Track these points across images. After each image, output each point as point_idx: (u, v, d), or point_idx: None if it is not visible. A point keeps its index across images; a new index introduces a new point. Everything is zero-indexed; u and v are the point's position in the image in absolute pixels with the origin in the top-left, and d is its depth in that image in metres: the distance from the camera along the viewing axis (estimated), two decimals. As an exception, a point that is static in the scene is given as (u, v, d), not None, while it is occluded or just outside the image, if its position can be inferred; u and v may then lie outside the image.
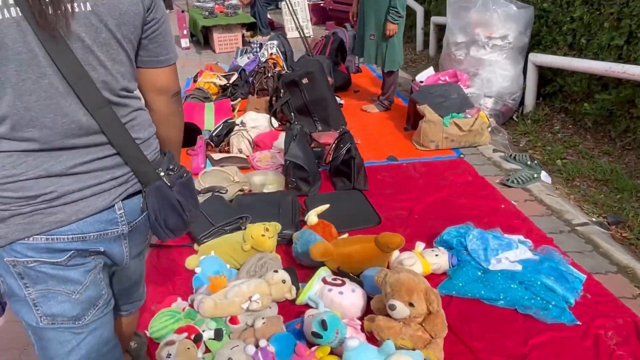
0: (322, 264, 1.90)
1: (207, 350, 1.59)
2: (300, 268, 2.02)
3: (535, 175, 2.78)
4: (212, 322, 1.63)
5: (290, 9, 4.51)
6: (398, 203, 2.57)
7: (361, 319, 1.72)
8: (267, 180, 2.68)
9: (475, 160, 3.08)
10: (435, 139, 3.16)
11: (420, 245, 2.04)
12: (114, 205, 0.96)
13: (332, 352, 1.55)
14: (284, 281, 1.75)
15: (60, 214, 0.90)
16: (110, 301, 1.08)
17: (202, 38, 6.50)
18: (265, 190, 2.63)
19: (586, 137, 3.33)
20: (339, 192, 2.68)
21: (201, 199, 2.44)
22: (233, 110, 3.82)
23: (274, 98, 3.65)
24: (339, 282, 1.79)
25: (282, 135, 3.16)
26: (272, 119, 3.47)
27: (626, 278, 2.01)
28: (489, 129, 3.31)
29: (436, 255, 2.01)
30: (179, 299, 1.83)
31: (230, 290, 1.69)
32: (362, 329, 1.66)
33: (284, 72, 3.86)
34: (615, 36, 3.04)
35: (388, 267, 1.97)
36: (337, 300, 1.74)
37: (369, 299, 1.77)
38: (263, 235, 2.01)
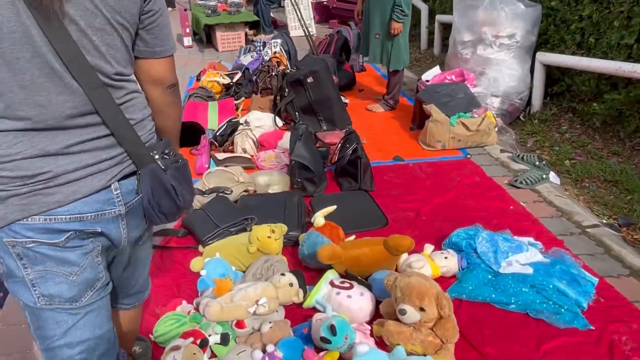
0: (330, 267, 1.87)
1: (213, 355, 1.56)
2: (307, 270, 1.98)
3: (544, 176, 2.74)
4: (218, 327, 1.60)
5: (295, 7, 4.47)
6: (405, 204, 2.54)
7: (370, 323, 1.69)
8: (272, 180, 2.64)
9: (483, 160, 3.04)
10: (441, 139, 3.12)
11: (429, 248, 2.01)
12: (110, 186, 0.97)
13: (341, 358, 1.52)
14: (291, 284, 1.72)
15: (58, 194, 0.90)
16: (108, 285, 1.08)
17: (205, 36, 6.47)
18: (270, 191, 2.60)
19: (594, 137, 3.29)
20: (345, 192, 2.64)
21: (206, 199, 2.41)
22: (237, 109, 3.79)
23: (278, 97, 3.61)
24: (347, 285, 1.76)
25: (287, 134, 3.13)
26: (277, 118, 3.43)
27: (639, 282, 1.97)
28: (496, 128, 3.27)
29: (445, 257, 1.97)
30: (184, 302, 1.80)
31: (236, 294, 1.65)
32: (372, 334, 1.63)
33: (288, 71, 3.82)
34: (625, 35, 3.00)
35: (396, 270, 1.94)
36: (345, 303, 1.70)
37: (377, 302, 1.74)
38: (269, 237, 1.97)
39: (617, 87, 3.12)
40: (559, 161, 3.07)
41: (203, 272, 1.90)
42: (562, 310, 1.76)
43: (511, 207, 2.49)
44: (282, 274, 1.73)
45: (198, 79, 4.49)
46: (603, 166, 2.91)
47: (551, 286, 1.83)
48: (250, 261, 1.97)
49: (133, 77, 1.04)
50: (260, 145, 3.18)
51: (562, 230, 2.31)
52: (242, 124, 3.29)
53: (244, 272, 1.97)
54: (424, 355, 1.50)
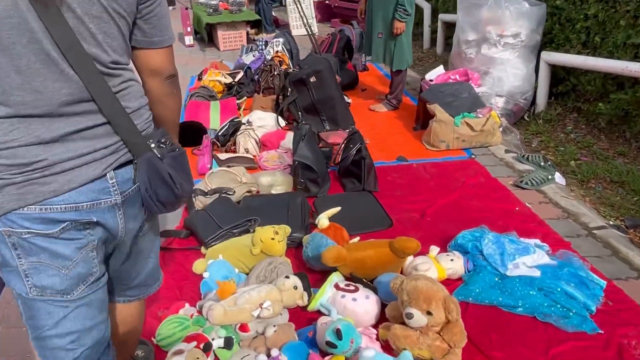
0: (334, 269, 1.84)
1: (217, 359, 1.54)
2: (311, 272, 1.96)
3: (550, 177, 2.72)
4: (221, 330, 1.58)
5: (298, 5, 4.44)
6: (409, 205, 2.51)
7: (375, 326, 1.66)
8: (275, 181, 2.62)
9: (487, 161, 3.01)
10: (446, 139, 3.09)
11: (434, 250, 1.98)
12: (105, 175, 0.96)
13: (346, 362, 1.49)
14: (295, 287, 1.69)
15: (53, 183, 0.90)
16: (102, 278, 1.07)
17: (206, 35, 6.44)
18: (273, 192, 2.58)
19: (600, 137, 3.26)
20: (348, 193, 2.62)
21: (208, 200, 2.39)
22: (239, 108, 3.76)
23: (280, 97, 3.58)
24: (352, 288, 1.73)
25: (289, 134, 3.10)
26: (279, 118, 3.40)
27: (648, 284, 1.94)
28: (501, 128, 3.25)
29: (451, 260, 1.95)
30: (187, 304, 1.78)
31: (240, 297, 1.63)
32: (377, 338, 1.60)
33: (290, 70, 3.79)
34: (631, 34, 2.96)
35: (402, 272, 1.92)
36: (350, 307, 1.68)
37: (383, 305, 1.71)
38: (273, 239, 1.95)
39: (624, 86, 3.09)
40: (564, 162, 3.04)
41: (206, 275, 1.88)
42: (571, 313, 1.73)
43: (517, 208, 2.47)
44: (287, 277, 1.71)
45: (200, 78, 4.46)
46: (609, 167, 2.88)
47: (559, 289, 1.81)
48: (253, 263, 1.95)
49: (130, 66, 1.03)
50: (263, 145, 3.16)
51: (569, 231, 2.29)
52: (244, 124, 3.26)
53: (247, 274, 1.95)
54: (431, 359, 1.48)
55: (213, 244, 2.09)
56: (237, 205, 2.36)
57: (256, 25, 6.86)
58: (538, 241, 2.10)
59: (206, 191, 2.42)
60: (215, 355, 1.54)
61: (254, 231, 2.06)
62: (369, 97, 4.19)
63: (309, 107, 3.40)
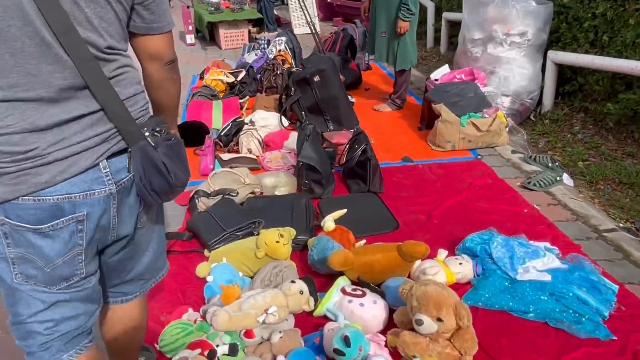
0: (341, 273, 1.80)
1: (221, 366, 1.50)
2: (316, 276, 1.92)
3: (558, 178, 2.67)
4: (226, 336, 1.54)
5: (302, 4, 4.39)
6: (415, 207, 2.47)
7: (383, 332, 1.62)
8: (279, 182, 2.58)
9: (494, 161, 2.96)
10: (451, 140, 3.05)
11: (442, 253, 1.94)
12: (98, 164, 0.96)
13: (354, 370, 1.45)
14: (301, 292, 1.65)
15: (45, 174, 0.90)
16: (88, 278, 1.06)
17: (208, 34, 6.39)
18: (277, 193, 2.53)
19: (608, 137, 3.21)
20: (353, 194, 2.58)
21: (211, 202, 2.35)
22: (241, 108, 3.72)
23: (283, 96, 3.54)
24: (360, 292, 1.70)
25: (293, 134, 3.06)
26: (282, 117, 3.36)
27: (661, 289, 1.90)
28: (507, 129, 3.20)
29: (460, 263, 1.91)
30: (190, 309, 1.74)
31: (244, 302, 1.59)
32: (386, 345, 1.56)
33: (293, 69, 3.75)
34: (640, 33, 2.92)
35: (409, 276, 1.88)
36: (357, 312, 1.64)
37: (391, 311, 1.67)
38: (277, 242, 1.91)
39: (632, 86, 3.04)
40: (572, 162, 2.99)
41: (209, 278, 1.84)
42: (583, 319, 1.69)
43: (525, 210, 2.42)
44: (293, 281, 1.67)
45: (201, 77, 4.42)
46: (618, 168, 2.84)
47: (571, 294, 1.76)
48: (258, 266, 1.91)
49: (127, 52, 1.02)
50: (266, 145, 3.12)
51: (579, 234, 2.24)
52: (247, 124, 3.22)
53: (251, 277, 1.91)
54: (442, 367, 1.44)
55: (216, 246, 2.05)
56: (240, 207, 2.32)
57: (258, 23, 6.81)
58: (548, 244, 2.06)
59: (209, 192, 2.38)
60: (220, 362, 1.50)
61: (258, 234, 2.02)
62: (372, 96, 4.15)
63: (312, 106, 3.36)
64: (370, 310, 1.64)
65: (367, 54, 4.81)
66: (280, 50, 4.48)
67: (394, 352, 1.54)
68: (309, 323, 1.71)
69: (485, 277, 1.88)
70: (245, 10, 6.54)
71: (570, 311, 1.72)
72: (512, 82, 3.42)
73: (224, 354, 1.49)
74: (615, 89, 3.15)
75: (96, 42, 0.92)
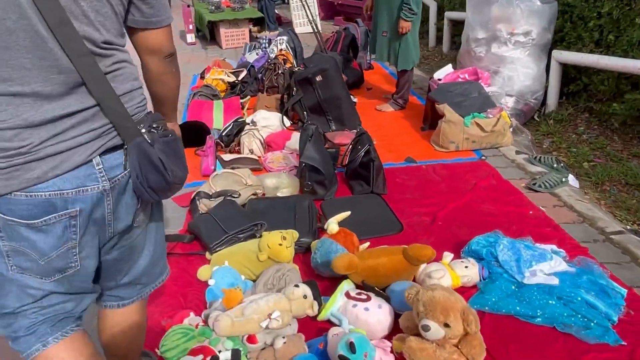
0: (345, 277, 1.77)
1: (224, 373, 1.47)
2: (320, 279, 1.89)
3: (563, 179, 2.64)
4: (228, 342, 1.51)
5: (304, 3, 4.35)
6: (419, 208, 2.44)
7: (389, 337, 1.59)
8: (281, 183, 2.54)
9: (498, 162, 2.93)
10: (455, 140, 3.02)
11: (448, 256, 1.91)
12: (91, 160, 0.95)
13: (360, 377, 1.42)
14: (305, 296, 1.62)
15: (37, 170, 0.89)
16: (82, 272, 1.05)
17: (209, 33, 6.36)
18: (279, 194, 2.50)
19: (613, 138, 3.18)
20: (357, 196, 2.54)
21: (213, 203, 2.31)
22: (242, 108, 3.69)
23: (285, 96, 3.51)
24: (364, 297, 1.66)
25: (295, 135, 3.03)
26: (284, 117, 3.33)
27: (670, 293, 1.87)
28: (511, 129, 3.17)
29: (466, 267, 1.87)
30: (192, 314, 1.71)
31: (247, 307, 1.56)
32: (392, 351, 1.53)
33: (295, 69, 3.71)
34: (647, 32, 2.89)
35: (414, 280, 1.84)
36: (362, 317, 1.61)
37: (396, 315, 1.64)
38: (280, 245, 1.88)
39: (638, 86, 3.01)
40: (577, 163, 2.96)
41: (211, 282, 1.81)
42: (592, 324, 1.66)
43: (530, 212, 2.39)
44: (296, 285, 1.63)
45: (202, 77, 4.39)
46: (624, 169, 2.81)
47: (579, 298, 1.73)
48: (260, 270, 1.88)
49: (124, 47, 1.01)
50: (268, 145, 3.08)
51: (585, 236, 2.21)
52: (248, 124, 3.19)
53: (253, 281, 1.88)
54: (449, 374, 1.41)
55: (218, 249, 2.02)
56: (242, 209, 2.29)
57: (259, 22, 6.78)
58: (554, 247, 2.02)
59: (210, 194, 2.35)
60: (222, 368, 1.47)
61: (260, 236, 1.99)
62: (374, 96, 4.11)
63: (314, 106, 3.32)
64: (375, 314, 1.61)
65: (369, 53, 4.78)
66: (281, 50, 4.45)
67: (400, 358, 1.51)
68: (313, 328, 1.68)
69: (492, 281, 1.85)
70: (246, 9, 6.51)
71: (579, 316, 1.69)
72: (516, 81, 3.39)
73: (226, 360, 1.46)
74: (620, 89, 3.12)
75: (92, 36, 0.91)
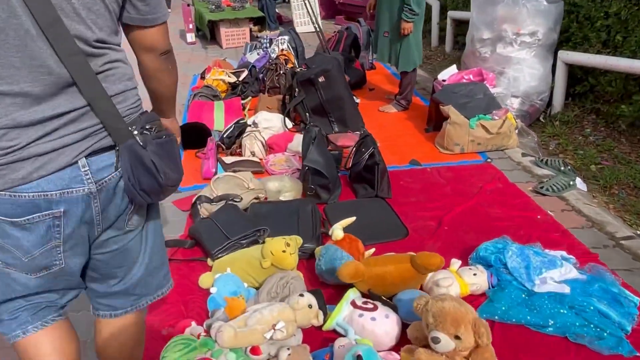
0: (350, 285, 1.72)
1: (227, 386, 1.42)
2: (324, 287, 1.84)
3: (571, 183, 2.59)
4: (231, 354, 1.46)
5: (306, 1, 4.30)
6: (425, 212, 2.39)
7: (396, 348, 1.54)
8: (284, 186, 2.49)
9: (504, 165, 2.88)
10: (460, 142, 2.97)
11: (456, 263, 1.86)
12: (77, 162, 0.93)
13: (367, 391, 1.37)
14: (310, 306, 1.57)
15: (21, 170, 0.89)
16: (66, 271, 1.04)
17: (209, 33, 6.31)
18: (281, 198, 2.45)
19: (621, 140, 3.13)
20: (361, 200, 2.50)
21: (214, 207, 2.27)
22: (243, 109, 3.63)
23: (287, 97, 3.46)
24: (371, 306, 1.62)
25: (297, 136, 2.98)
26: (286, 119, 3.28)
27: (684, 301, 1.82)
28: (516, 131, 3.12)
29: (474, 274, 1.83)
30: (194, 323, 1.66)
31: (251, 317, 1.51)
32: (400, 363, 1.48)
33: (297, 69, 3.66)
34: (656, 33, 2.84)
35: (421, 288, 1.80)
36: (369, 327, 1.56)
37: (403, 325, 1.60)
38: (284, 252, 1.83)
39: (646, 88, 2.96)
40: (584, 166, 2.91)
41: (213, 290, 1.76)
42: (605, 334, 1.62)
43: (538, 217, 2.34)
44: (301, 295, 1.59)
45: (202, 77, 4.34)
46: (632, 172, 2.76)
47: (592, 307, 1.69)
48: (263, 277, 1.83)
49: (119, 46, 1.00)
50: (269, 147, 3.04)
51: (595, 242, 2.17)
52: (250, 126, 3.14)
53: (257, 288, 1.83)
54: (459, 387, 1.36)
55: (220, 255, 1.97)
56: (244, 214, 2.24)
57: (259, 22, 6.72)
58: (564, 253, 1.97)
59: (212, 198, 2.30)
60: (225, 381, 1.42)
61: (263, 242, 1.94)
62: (377, 96, 4.06)
63: (317, 107, 3.27)
64: (383, 325, 1.57)
65: (370, 52, 4.72)
66: (283, 50, 4.40)
67: (408, 370, 1.46)
68: (318, 338, 1.63)
69: (501, 289, 1.80)
70: (246, 8, 6.45)
71: (592, 326, 1.64)
72: (521, 82, 3.34)
73: (229, 373, 1.41)
74: (628, 90, 3.07)
75: (84, 34, 0.89)
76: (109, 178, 0.98)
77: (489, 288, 1.82)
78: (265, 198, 2.46)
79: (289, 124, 3.28)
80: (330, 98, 3.22)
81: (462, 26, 5.02)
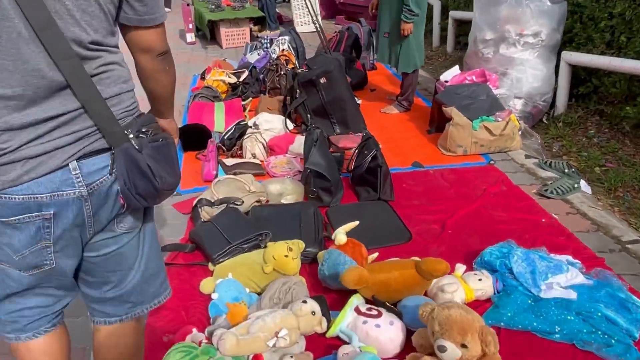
0: (354, 291, 1.69)
1: (229, 395, 1.39)
2: (327, 292, 1.82)
3: (576, 185, 2.57)
4: (233, 362, 1.43)
5: (307, 1, 4.27)
6: (428, 215, 2.36)
7: (401, 356, 1.52)
8: (285, 189, 2.47)
9: (507, 167, 2.86)
10: (463, 144, 2.94)
11: (460, 268, 1.83)
12: (67, 165, 0.92)
13: (372, 400, 1.35)
14: (313, 313, 1.54)
15: (12, 172, 0.88)
16: (57, 271, 1.03)
17: (209, 33, 6.27)
18: (283, 201, 2.43)
19: (625, 142, 3.10)
20: (363, 203, 2.47)
21: (215, 211, 2.24)
22: (244, 110, 3.60)
23: (288, 98, 3.43)
24: (375, 313, 1.59)
25: (298, 138, 2.96)
26: (287, 120, 3.25)
27: (692, 307, 1.79)
28: (520, 132, 3.09)
29: (479, 279, 1.80)
30: (195, 330, 1.63)
31: (253, 324, 1.48)
32: (405, 371, 1.46)
33: (298, 70, 3.63)
34: (661, 34, 2.81)
35: (425, 293, 1.77)
36: (373, 334, 1.54)
37: (408, 332, 1.57)
38: (286, 256, 1.80)
39: (651, 89, 2.93)
40: (588, 168, 2.89)
41: (214, 296, 1.74)
42: (613, 341, 1.59)
43: (543, 220, 2.32)
44: (304, 301, 1.56)
45: (202, 78, 4.31)
46: (637, 174, 2.73)
47: (599, 314, 1.66)
48: (265, 282, 1.80)
49: (115, 48, 0.98)
50: (270, 149, 3.01)
51: (601, 246, 2.14)
52: (250, 127, 3.11)
53: (259, 294, 1.80)
54: (466, 397, 1.33)
55: (221, 260, 1.94)
56: (245, 217, 2.21)
57: (260, 22, 6.69)
58: (570, 257, 1.95)
59: (213, 201, 2.28)
60: (227, 390, 1.40)
61: (265, 246, 1.92)
62: (378, 97, 4.04)
63: (318, 109, 3.24)
64: (387, 332, 1.54)
65: (372, 53, 4.69)
66: (283, 50, 4.37)
67: (413, 379, 1.44)
68: (321, 344, 1.61)
69: (507, 294, 1.77)
70: (246, 8, 6.42)
71: (599, 332, 1.62)
72: (524, 83, 3.31)
73: (231, 382, 1.39)
74: (633, 91, 3.04)
75: (78, 37, 0.88)
76: (100, 181, 0.97)
77: (495, 294, 1.80)
78: (267, 201, 2.43)
79: (290, 126, 3.25)
80: (332, 99, 3.20)
81: (463, 26, 4.99)
